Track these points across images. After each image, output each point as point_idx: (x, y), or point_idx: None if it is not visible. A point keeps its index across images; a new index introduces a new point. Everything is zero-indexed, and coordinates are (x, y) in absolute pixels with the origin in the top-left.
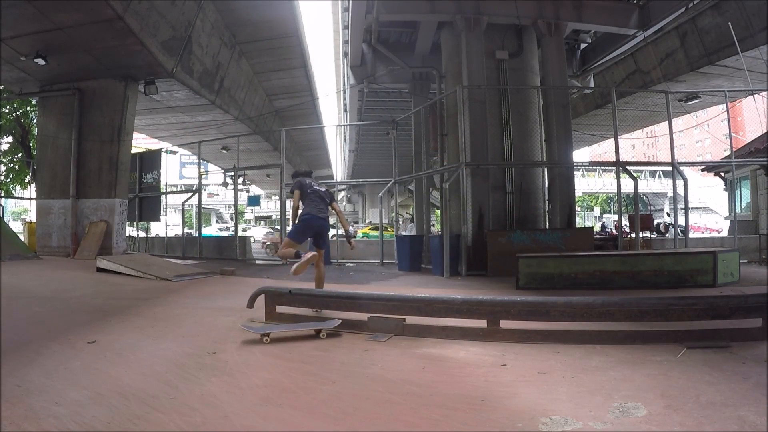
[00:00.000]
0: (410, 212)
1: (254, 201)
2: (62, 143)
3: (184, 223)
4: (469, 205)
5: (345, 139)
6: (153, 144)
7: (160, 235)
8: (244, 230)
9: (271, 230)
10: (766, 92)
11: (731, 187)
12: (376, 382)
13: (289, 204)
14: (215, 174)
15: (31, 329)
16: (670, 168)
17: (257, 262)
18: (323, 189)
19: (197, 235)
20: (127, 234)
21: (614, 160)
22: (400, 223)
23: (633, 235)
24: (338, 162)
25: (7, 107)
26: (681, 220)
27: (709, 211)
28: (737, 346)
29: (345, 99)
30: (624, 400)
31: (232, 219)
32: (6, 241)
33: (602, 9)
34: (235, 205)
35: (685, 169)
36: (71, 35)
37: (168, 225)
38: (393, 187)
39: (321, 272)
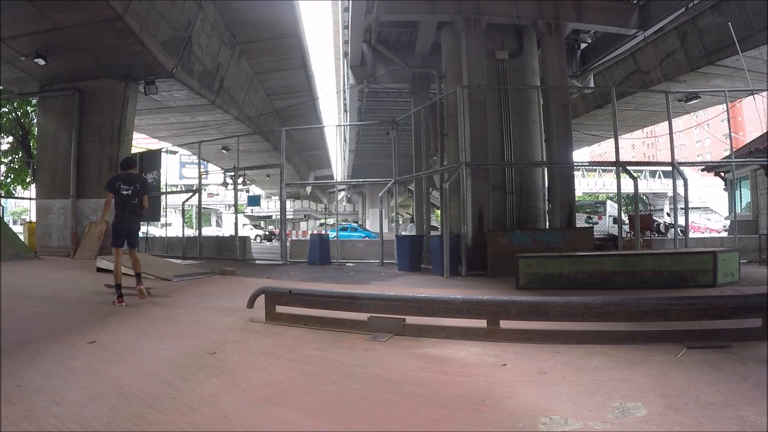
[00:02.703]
0: (410, 212)
1: (254, 201)
2: (62, 143)
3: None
4: (469, 205)
5: (345, 139)
6: (153, 144)
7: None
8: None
9: None
10: (766, 92)
11: (731, 187)
12: (376, 382)
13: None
14: (215, 174)
15: (31, 329)
16: (670, 168)
17: (257, 262)
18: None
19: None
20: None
21: (614, 160)
22: (400, 223)
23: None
24: (338, 162)
25: (7, 107)
26: (681, 220)
27: (709, 211)
28: (737, 346)
29: (345, 99)
30: (624, 400)
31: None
32: (6, 241)
33: (602, 9)
34: (235, 205)
35: (685, 169)
36: (71, 35)
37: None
38: (393, 187)
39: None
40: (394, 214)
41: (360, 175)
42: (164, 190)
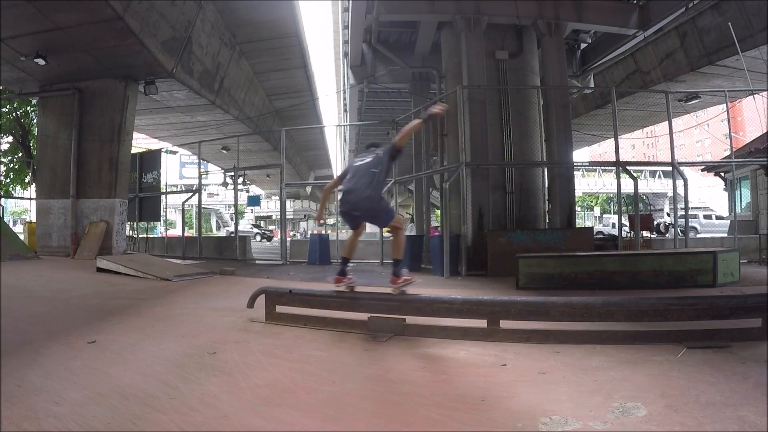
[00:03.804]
0: (410, 212)
1: (254, 201)
2: (62, 143)
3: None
4: (469, 205)
5: (345, 139)
6: (153, 144)
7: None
8: None
9: None
10: (766, 92)
11: (731, 187)
12: (376, 382)
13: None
14: (215, 174)
15: (31, 329)
16: (670, 168)
17: (257, 262)
18: (371, 156)
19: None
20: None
21: (614, 160)
22: None
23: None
24: (338, 162)
25: (7, 107)
26: (681, 221)
27: (709, 211)
28: (737, 346)
29: (345, 99)
30: (624, 400)
31: (232, 219)
32: (6, 241)
33: (602, 9)
34: (235, 205)
35: (685, 169)
36: (71, 35)
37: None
38: (393, 187)
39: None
40: None
41: None
42: (164, 190)
